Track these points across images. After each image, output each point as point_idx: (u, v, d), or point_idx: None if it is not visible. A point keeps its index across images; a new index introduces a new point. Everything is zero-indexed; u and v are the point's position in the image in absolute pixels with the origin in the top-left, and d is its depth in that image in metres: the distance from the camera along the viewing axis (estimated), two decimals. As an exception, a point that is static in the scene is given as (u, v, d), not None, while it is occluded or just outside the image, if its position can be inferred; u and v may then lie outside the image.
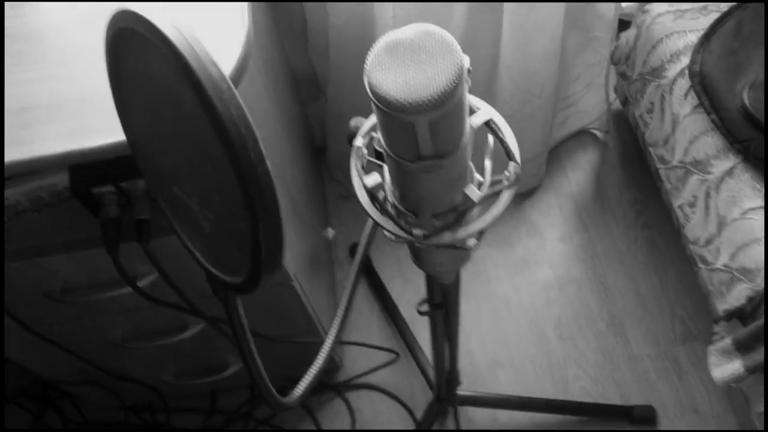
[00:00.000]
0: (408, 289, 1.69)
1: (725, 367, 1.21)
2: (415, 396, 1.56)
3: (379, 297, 1.68)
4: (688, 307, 1.62)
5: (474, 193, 0.58)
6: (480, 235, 0.66)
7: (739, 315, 1.22)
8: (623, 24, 1.62)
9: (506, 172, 0.60)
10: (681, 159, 1.37)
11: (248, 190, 0.41)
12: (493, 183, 0.62)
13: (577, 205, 1.79)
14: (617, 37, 1.59)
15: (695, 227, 1.35)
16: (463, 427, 1.50)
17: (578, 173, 1.83)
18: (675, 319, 1.62)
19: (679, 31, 1.39)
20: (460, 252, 0.69)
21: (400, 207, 0.62)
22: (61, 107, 0.83)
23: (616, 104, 1.79)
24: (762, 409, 1.19)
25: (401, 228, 0.59)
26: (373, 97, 0.49)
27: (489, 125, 0.60)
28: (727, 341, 1.21)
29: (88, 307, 1.11)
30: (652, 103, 1.46)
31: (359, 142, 0.60)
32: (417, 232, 0.59)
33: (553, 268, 1.71)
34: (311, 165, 1.70)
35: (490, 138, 0.63)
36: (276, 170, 1.09)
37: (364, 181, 0.58)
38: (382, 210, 0.61)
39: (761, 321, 1.16)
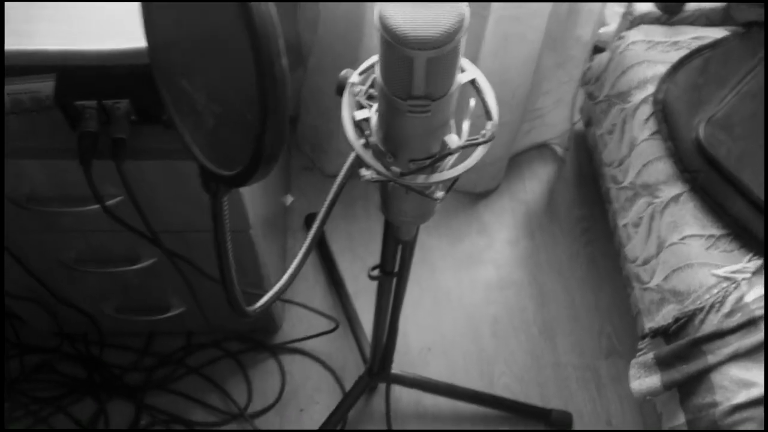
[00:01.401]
0: (356, 265, 1.73)
1: (644, 380, 1.28)
2: (347, 368, 1.60)
3: (326, 268, 1.72)
4: (617, 325, 1.70)
5: (453, 140, 0.63)
6: (448, 189, 0.71)
7: (664, 333, 1.29)
8: (597, 50, 1.70)
9: (483, 130, 0.65)
10: (632, 180, 1.45)
11: (264, 80, 0.45)
12: (469, 140, 0.67)
13: (529, 213, 1.86)
14: (591, 59, 1.67)
15: (636, 247, 1.43)
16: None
17: (534, 183, 1.91)
18: (602, 335, 1.70)
19: (649, 60, 1.47)
20: (427, 203, 0.74)
21: (381, 147, 0.66)
22: (69, 9, 0.85)
23: (579, 125, 1.87)
24: (672, 425, 1.26)
25: (381, 163, 0.64)
26: (382, 28, 0.54)
27: (474, 84, 0.66)
28: (650, 356, 1.28)
29: (49, 220, 1.12)
30: (613, 125, 1.54)
31: (355, 78, 0.64)
32: (395, 169, 0.64)
33: (498, 268, 1.77)
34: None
35: (472, 101, 0.68)
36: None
37: (353, 113, 0.63)
38: (365, 145, 0.65)
39: (683, 341, 1.23)
